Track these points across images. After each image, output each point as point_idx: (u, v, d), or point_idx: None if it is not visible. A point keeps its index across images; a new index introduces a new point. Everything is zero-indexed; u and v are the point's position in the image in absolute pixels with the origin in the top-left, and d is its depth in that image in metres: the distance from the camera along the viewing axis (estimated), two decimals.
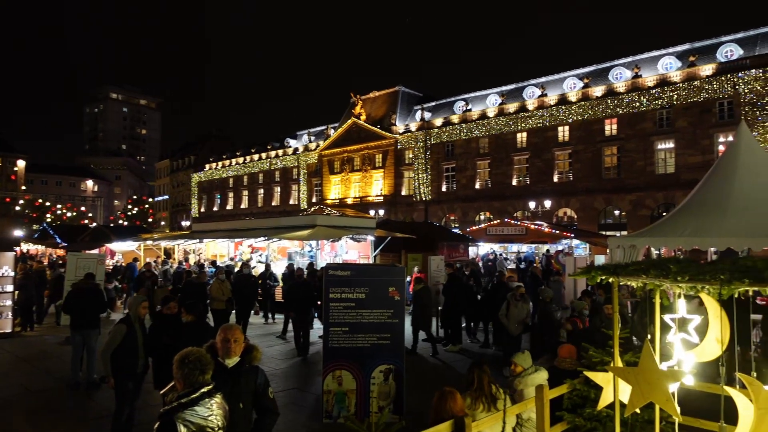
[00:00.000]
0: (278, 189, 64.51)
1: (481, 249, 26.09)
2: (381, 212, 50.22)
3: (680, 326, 3.68)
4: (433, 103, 52.58)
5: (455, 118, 46.92)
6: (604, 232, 32.93)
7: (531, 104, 41.94)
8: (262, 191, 66.67)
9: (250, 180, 68.44)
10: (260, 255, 20.14)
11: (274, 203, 64.41)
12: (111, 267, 21.60)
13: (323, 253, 18.55)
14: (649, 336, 3.42)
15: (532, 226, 25.01)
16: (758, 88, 31.35)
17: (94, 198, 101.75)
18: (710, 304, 3.36)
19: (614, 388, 3.54)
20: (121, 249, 24.34)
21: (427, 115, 50.46)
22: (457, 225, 43.41)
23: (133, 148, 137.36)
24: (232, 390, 3.73)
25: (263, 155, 66.69)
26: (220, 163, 74.14)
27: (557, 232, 24.67)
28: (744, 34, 35.62)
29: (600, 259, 19.76)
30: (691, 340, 3.63)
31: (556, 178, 40.52)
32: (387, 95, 55.53)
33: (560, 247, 24.26)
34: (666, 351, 4.00)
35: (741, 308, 5.24)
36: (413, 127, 50.19)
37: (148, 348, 6.59)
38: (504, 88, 46.90)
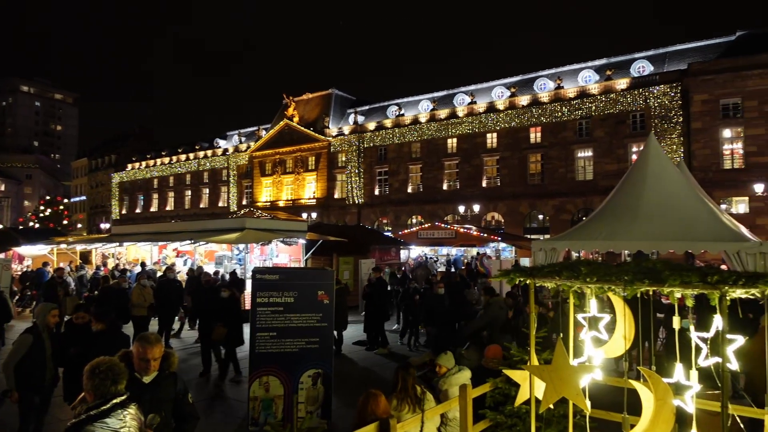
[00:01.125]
0: (207, 191, 62.51)
1: (413, 252, 26.46)
2: (314, 215, 49.82)
3: (591, 324, 3.89)
4: (367, 107, 52.86)
5: (388, 123, 47.40)
6: (529, 236, 34.29)
7: (461, 111, 43.06)
8: (189, 193, 64.35)
9: (177, 181, 65.88)
10: (186, 259, 19.44)
11: (202, 205, 62.35)
12: (19, 272, 20.14)
13: (252, 256, 18.15)
14: (561, 335, 3.60)
15: (462, 230, 25.66)
16: (666, 102, 33.81)
17: (1, 198, 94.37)
18: (617, 303, 3.58)
19: (530, 386, 3.70)
20: (31, 253, 22.67)
21: (361, 118, 50.65)
22: (389, 228, 43.78)
23: (47, 146, 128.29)
24: (151, 400, 3.58)
25: (191, 155, 64.40)
26: (143, 163, 70.84)
27: (485, 235, 25.45)
28: (654, 51, 38.35)
29: (525, 262, 20.59)
30: (601, 337, 3.85)
31: (484, 183, 41.79)
32: (320, 98, 55.25)
33: (487, 251, 25.04)
34: (580, 348, 4.21)
35: (646, 307, 5.63)
36: (346, 130, 50.23)
37: (57, 359, 6.19)
38: (435, 94, 47.91)
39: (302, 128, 52.61)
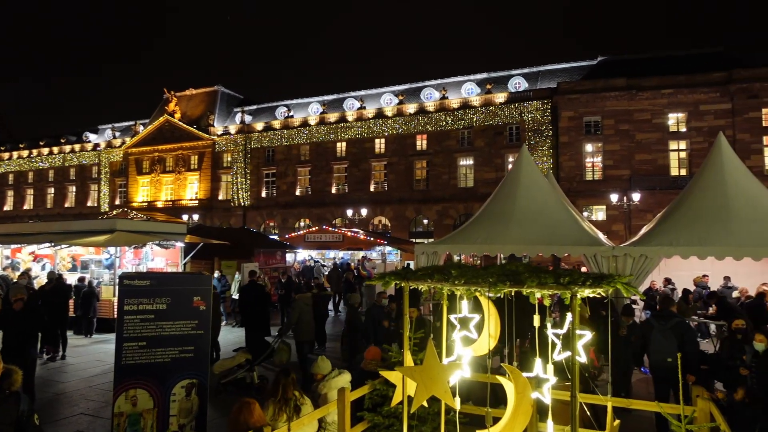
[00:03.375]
0: (73, 189, 57.12)
1: (299, 255, 26.15)
2: (195, 217, 47.51)
3: (463, 325, 4.07)
4: (255, 107, 51.49)
5: (277, 124, 46.53)
6: (414, 240, 35.38)
7: (351, 115, 43.45)
8: (52, 190, 58.36)
9: (37, 177, 59.44)
10: (44, 263, 17.58)
11: (67, 204, 56.86)
12: None
13: (125, 260, 16.85)
14: (432, 335, 3.72)
15: (349, 234, 25.84)
16: (538, 117, 36.73)
17: None
18: (485, 303, 3.78)
19: (403, 385, 3.78)
20: None
21: (248, 118, 49.22)
22: (276, 231, 42.97)
23: None
24: None
25: (55, 149, 58.47)
26: None
27: (372, 239, 25.84)
28: (529, 69, 41.49)
29: (410, 265, 21.20)
30: (471, 336, 4.04)
31: (372, 188, 42.49)
32: (205, 94, 52.86)
33: (373, 254, 25.45)
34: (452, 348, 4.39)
35: (518, 306, 6.02)
36: (233, 129, 48.51)
37: None
38: (326, 97, 47.90)
39: (184, 125, 49.97)
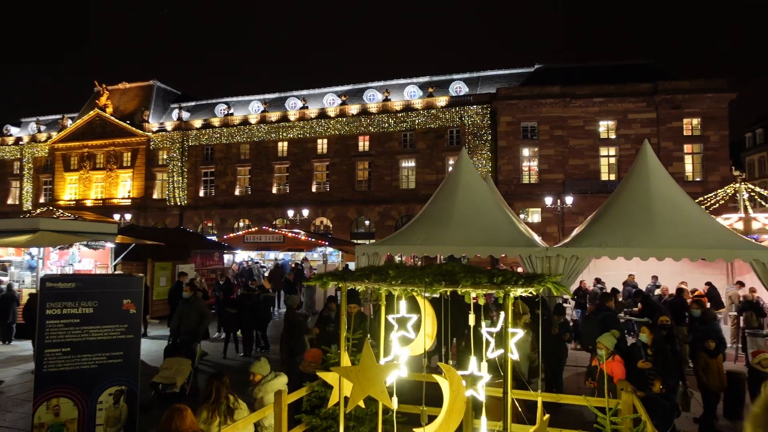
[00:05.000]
0: None
1: (238, 257, 25.56)
2: (128, 217, 45.53)
3: (400, 324, 4.09)
4: (193, 103, 49.92)
5: (216, 121, 45.29)
6: (355, 241, 35.36)
7: (293, 115, 42.93)
8: None
9: None
10: None
11: None
12: None
13: (48, 262, 15.90)
14: (369, 335, 3.73)
15: (290, 234, 25.49)
16: (478, 121, 37.61)
17: None
18: (421, 303, 3.82)
19: (339, 386, 3.76)
20: None
21: (186, 114, 47.63)
22: (214, 232, 41.83)
23: None
24: None
25: None
26: None
27: (313, 240, 25.60)
28: (469, 74, 42.44)
29: (351, 266, 21.16)
30: (409, 336, 4.07)
31: (314, 188, 42.14)
32: (139, 89, 50.73)
33: (314, 255, 25.24)
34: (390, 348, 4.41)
35: (456, 306, 6.13)
36: (169, 126, 46.78)
37: None
38: (267, 96, 47.10)
39: (117, 120, 47.75)
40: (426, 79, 42.75)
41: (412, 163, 39.73)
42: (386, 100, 40.78)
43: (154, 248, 17.23)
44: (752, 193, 20.55)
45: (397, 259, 21.26)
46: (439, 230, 12.70)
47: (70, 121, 50.90)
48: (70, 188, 49.77)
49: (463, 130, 38.06)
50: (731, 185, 20.81)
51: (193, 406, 4.39)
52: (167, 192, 45.99)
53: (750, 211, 18.73)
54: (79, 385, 6.43)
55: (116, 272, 15.74)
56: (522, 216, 32.99)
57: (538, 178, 36.02)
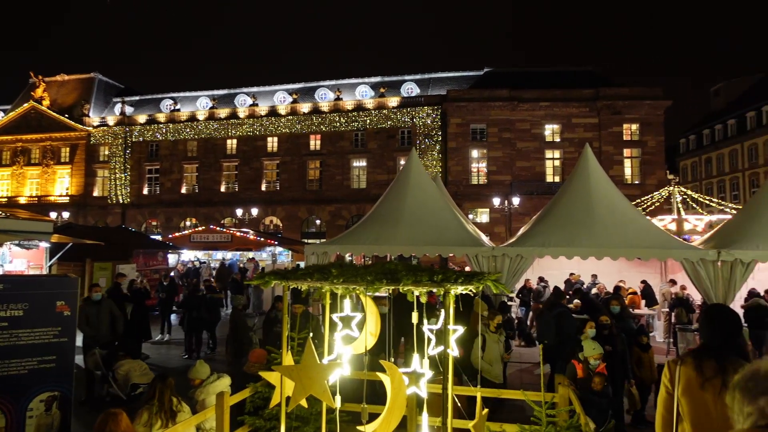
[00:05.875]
0: None
1: (183, 256, 24.87)
2: (66, 215, 43.45)
3: (345, 323, 4.10)
4: (137, 98, 48.21)
5: (161, 117, 43.88)
6: (306, 240, 35.08)
7: (242, 112, 42.14)
8: None
9: None
10: None
11: None
12: None
13: None
14: (311, 334, 3.72)
15: (238, 234, 25.00)
16: (429, 122, 38.07)
17: None
18: (366, 302, 3.84)
19: (280, 386, 3.74)
20: None
21: (129, 109, 45.95)
22: (159, 231, 40.52)
23: None
24: None
25: None
26: None
27: (262, 239, 25.22)
28: (421, 76, 42.88)
29: (302, 266, 20.95)
30: (353, 335, 4.08)
31: (264, 187, 41.52)
32: (79, 81, 48.53)
33: (263, 255, 24.88)
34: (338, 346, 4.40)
35: (405, 306, 6.18)
36: (111, 121, 44.98)
37: None
38: (216, 92, 46.06)
39: (54, 114, 45.49)
40: (378, 79, 42.89)
41: (363, 163, 39.77)
42: (338, 99, 40.67)
43: (94, 248, 16.51)
44: (685, 196, 21.70)
45: (348, 258, 21.24)
46: (388, 230, 12.77)
47: (2, 114, 48.13)
48: (2, 184, 47.06)
49: (414, 131, 38.42)
50: (666, 188, 21.92)
51: (129, 411, 4.26)
52: (109, 189, 44.23)
53: (682, 213, 19.77)
54: (6, 392, 6.08)
55: (51, 273, 15.00)
56: (471, 216, 33.61)
57: (487, 179, 36.80)
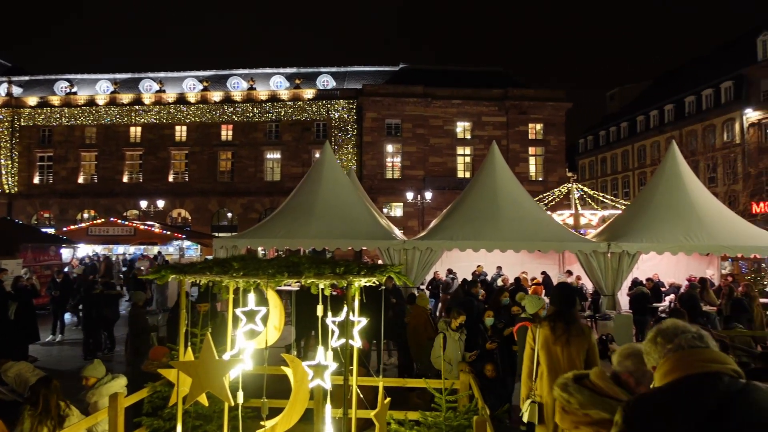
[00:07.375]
0: None
1: (80, 251, 23.20)
2: None
3: (249, 318, 4.01)
4: (27, 78, 44.14)
5: (55, 100, 40.51)
6: (217, 234, 33.88)
7: (147, 98, 39.87)
8: None
9: None
10: None
11: None
12: None
13: None
14: (210, 329, 3.62)
15: (142, 227, 23.72)
16: (344, 116, 38.04)
17: None
18: (270, 295, 3.78)
19: (177, 383, 3.61)
20: None
21: (18, 90, 42.00)
22: (53, 223, 37.52)
23: None
24: None
25: None
26: None
27: (168, 233, 24.09)
28: (337, 69, 42.67)
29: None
30: (257, 329, 4.00)
31: (171, 178, 39.62)
32: None
33: (170, 249, 23.80)
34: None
35: (310, 298, 6.15)
36: None
37: None
38: (118, 75, 43.20)
39: None
40: (293, 70, 42.20)
41: (277, 155, 39.04)
42: (251, 89, 39.58)
43: None
44: (582, 193, 23.26)
45: (261, 253, 20.77)
46: (301, 223, 12.66)
47: None
48: None
49: (329, 124, 38.24)
50: (565, 185, 23.37)
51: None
52: None
53: (579, 208, 21.19)
54: None
55: None
56: (385, 210, 34.06)
57: (401, 173, 37.41)
